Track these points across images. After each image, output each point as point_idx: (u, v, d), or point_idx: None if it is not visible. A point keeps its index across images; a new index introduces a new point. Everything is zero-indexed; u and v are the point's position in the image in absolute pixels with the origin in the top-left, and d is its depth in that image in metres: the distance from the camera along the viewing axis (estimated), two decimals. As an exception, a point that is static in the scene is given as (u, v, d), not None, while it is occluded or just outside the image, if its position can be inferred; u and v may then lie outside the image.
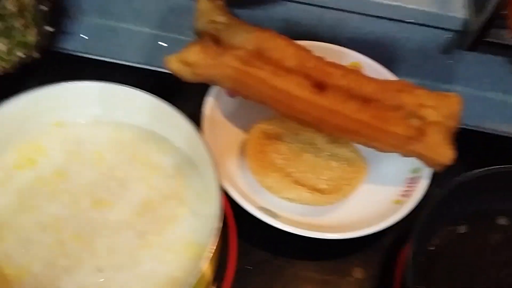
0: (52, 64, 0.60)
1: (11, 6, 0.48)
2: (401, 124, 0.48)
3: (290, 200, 0.50)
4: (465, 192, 0.48)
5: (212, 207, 0.44)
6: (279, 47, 0.51)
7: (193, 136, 0.44)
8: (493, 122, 0.64)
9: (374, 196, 0.52)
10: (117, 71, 0.63)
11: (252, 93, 0.50)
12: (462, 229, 0.51)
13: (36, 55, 0.56)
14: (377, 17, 0.59)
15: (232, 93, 0.55)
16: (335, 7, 0.58)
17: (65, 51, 0.63)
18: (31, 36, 0.54)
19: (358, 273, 0.51)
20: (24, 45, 0.54)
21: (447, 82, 0.66)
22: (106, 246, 0.42)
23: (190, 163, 0.47)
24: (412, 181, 0.52)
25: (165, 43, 0.65)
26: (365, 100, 0.50)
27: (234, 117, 0.56)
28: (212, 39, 0.51)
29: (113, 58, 0.63)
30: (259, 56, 0.50)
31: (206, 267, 0.38)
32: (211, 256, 0.38)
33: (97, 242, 0.43)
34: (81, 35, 0.64)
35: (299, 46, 0.51)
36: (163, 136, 0.49)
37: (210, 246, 0.38)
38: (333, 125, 0.49)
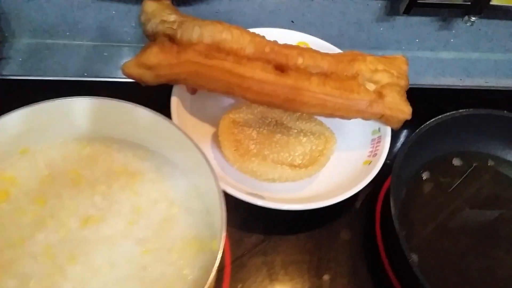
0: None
1: None
2: (361, 90, 0.51)
3: (273, 180, 0.51)
4: (425, 139, 0.53)
5: (203, 203, 0.45)
6: (235, 37, 0.52)
7: (177, 133, 0.44)
8: (426, 78, 0.70)
9: (346, 162, 0.55)
10: (63, 88, 0.60)
11: (218, 85, 0.51)
12: (426, 175, 0.56)
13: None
14: (315, -4, 0.62)
15: (194, 89, 0.56)
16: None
17: (3, 77, 0.60)
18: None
19: (344, 234, 0.54)
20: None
21: (381, 48, 0.71)
22: (107, 261, 0.41)
23: (169, 164, 0.47)
24: (375, 141, 0.56)
25: (106, 53, 0.64)
26: (324, 74, 0.52)
27: (200, 112, 0.57)
28: (167, 38, 0.51)
29: (55, 76, 0.61)
30: (217, 48, 0.51)
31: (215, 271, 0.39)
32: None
33: (97, 259, 0.41)
34: (17, 57, 0.61)
35: (253, 34, 0.53)
36: (136, 143, 0.48)
37: (220, 247, 0.38)
38: (300, 102, 0.51)
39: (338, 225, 0.54)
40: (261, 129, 0.54)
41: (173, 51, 0.50)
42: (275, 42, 0.54)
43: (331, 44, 0.62)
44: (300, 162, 0.53)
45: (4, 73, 0.60)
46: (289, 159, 0.53)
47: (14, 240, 0.41)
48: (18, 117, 0.44)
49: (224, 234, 0.39)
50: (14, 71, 0.60)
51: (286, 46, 0.54)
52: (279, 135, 0.54)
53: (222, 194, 0.40)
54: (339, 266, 0.51)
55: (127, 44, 0.64)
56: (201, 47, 0.50)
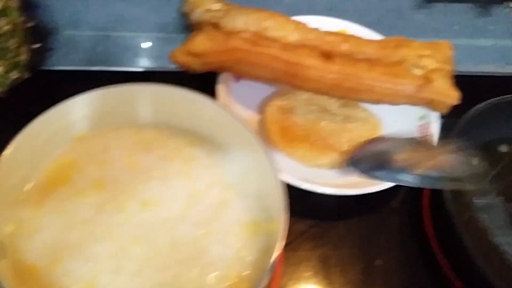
0: (39, 81, 0.58)
1: (5, 26, 0.46)
2: (408, 75, 0.52)
3: (321, 165, 0.52)
4: (474, 125, 0.53)
5: (256, 186, 0.45)
6: (280, 25, 0.52)
7: (230, 119, 0.44)
8: (465, 65, 0.70)
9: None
10: (108, 78, 0.61)
11: (265, 72, 0.51)
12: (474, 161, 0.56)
13: (26, 75, 0.54)
14: (354, -16, 0.62)
15: (238, 77, 0.56)
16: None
17: (49, 67, 0.61)
18: (23, 56, 0.52)
19: (394, 219, 0.54)
20: (16, 65, 0.51)
21: (420, 36, 0.70)
22: (168, 243, 0.42)
23: (221, 149, 0.48)
24: (423, 127, 0.56)
25: (150, 42, 0.65)
26: (370, 60, 0.53)
27: (243, 100, 0.57)
28: (212, 27, 0.52)
29: (99, 66, 0.62)
30: (262, 36, 0.52)
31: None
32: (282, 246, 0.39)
33: (158, 241, 0.42)
34: (61, 49, 0.62)
35: (297, 21, 0.53)
36: (188, 129, 0.49)
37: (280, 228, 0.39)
38: (347, 88, 0.51)
39: (386, 210, 0.55)
40: (307, 116, 0.55)
41: (219, 39, 0.51)
42: (318, 29, 0.54)
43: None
44: (347, 148, 0.53)
45: (50, 64, 0.61)
46: (336, 146, 0.53)
47: (77, 223, 0.43)
48: (78, 103, 0.45)
49: (283, 216, 0.39)
50: (58, 63, 0.61)
51: (329, 33, 0.54)
52: (325, 121, 0.55)
53: (278, 176, 0.41)
54: (391, 251, 0.51)
55: (168, 35, 0.65)
56: (247, 34, 0.51)
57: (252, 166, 0.46)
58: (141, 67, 0.63)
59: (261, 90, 0.57)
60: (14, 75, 0.51)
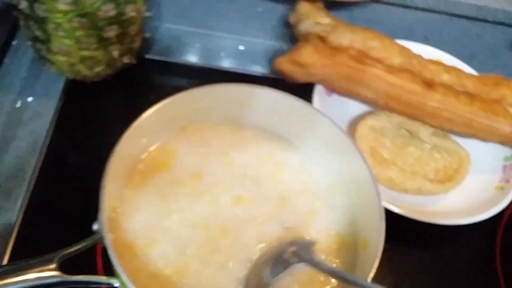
0: (140, 68, 0.61)
1: (131, 12, 0.49)
2: (507, 115, 0.52)
3: (406, 191, 0.52)
4: None
5: (347, 199, 0.46)
6: (385, 46, 0.53)
7: (333, 130, 0.45)
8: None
9: (477, 184, 0.55)
10: (198, 74, 0.64)
11: (366, 91, 0.52)
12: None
13: (134, 61, 0.57)
14: (456, 15, 0.62)
15: (332, 91, 0.58)
16: (419, 6, 0.61)
17: (149, 56, 0.64)
18: (137, 43, 0.55)
19: (465, 253, 0.54)
20: (129, 51, 0.54)
21: (508, 76, 0.70)
22: (256, 238, 0.44)
23: (313, 160, 0.49)
24: (507, 167, 0.56)
25: (242, 46, 0.67)
26: (469, 94, 0.53)
27: (335, 114, 0.58)
28: (319, 40, 0.53)
29: (193, 61, 0.65)
30: (367, 55, 0.53)
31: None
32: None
33: (246, 235, 0.44)
34: (161, 40, 0.65)
35: (401, 45, 0.54)
36: (282, 136, 0.50)
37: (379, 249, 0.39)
38: (444, 118, 0.52)
39: (462, 243, 0.55)
40: (395, 140, 0.55)
41: (326, 53, 0.52)
42: (420, 56, 0.55)
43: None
44: (432, 177, 0.53)
45: (150, 53, 0.64)
46: (421, 173, 0.53)
47: (172, 209, 0.45)
48: (196, 95, 0.47)
49: (382, 237, 0.40)
50: (158, 53, 0.64)
51: (431, 61, 0.55)
52: (413, 147, 0.55)
53: (379, 196, 0.42)
54: (461, 284, 0.51)
55: (263, 41, 0.67)
56: (354, 51, 0.52)
57: (347, 180, 0.47)
58: (235, 68, 0.65)
59: (353, 107, 0.58)
60: (125, 60, 0.54)
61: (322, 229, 0.45)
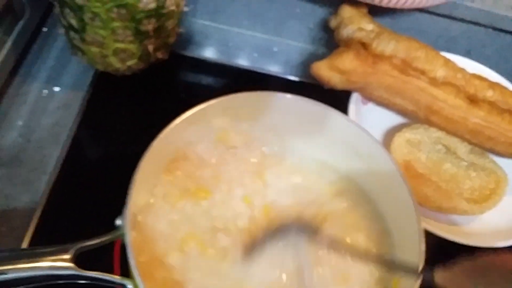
0: (171, 64, 0.59)
1: (171, 5, 0.47)
2: (553, 136, 0.49)
3: (441, 209, 0.50)
4: None
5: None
6: (429, 58, 0.51)
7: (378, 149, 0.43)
8: None
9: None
10: (234, 74, 0.62)
11: (406, 102, 0.50)
12: None
13: (166, 56, 0.55)
14: (501, 30, 0.60)
15: (368, 100, 0.56)
16: (465, 18, 0.59)
17: (181, 52, 0.62)
18: (172, 38, 0.53)
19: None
20: (164, 45, 0.52)
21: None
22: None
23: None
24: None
25: (276, 48, 0.65)
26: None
27: (370, 124, 0.56)
28: (361, 46, 0.51)
29: (222, 60, 0.63)
30: (410, 65, 0.51)
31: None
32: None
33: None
34: (193, 36, 0.64)
35: (446, 58, 0.52)
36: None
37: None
38: (487, 136, 0.50)
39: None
40: (430, 155, 0.53)
41: (368, 60, 0.50)
42: (464, 70, 0.53)
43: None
44: (468, 196, 0.51)
45: (182, 49, 0.62)
46: (456, 191, 0.51)
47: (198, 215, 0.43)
48: (225, 102, 0.44)
49: (422, 265, 0.38)
50: (189, 50, 0.63)
51: (476, 76, 0.53)
52: (449, 164, 0.53)
53: (419, 218, 0.39)
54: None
55: (297, 44, 0.65)
56: (398, 61, 0.50)
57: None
58: (267, 70, 0.63)
59: (389, 118, 0.56)
60: (159, 55, 0.52)
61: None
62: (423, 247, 0.38)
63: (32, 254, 0.35)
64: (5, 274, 0.34)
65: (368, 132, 0.44)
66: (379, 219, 0.44)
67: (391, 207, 0.43)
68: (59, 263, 0.35)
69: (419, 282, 0.37)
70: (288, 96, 0.45)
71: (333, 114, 0.44)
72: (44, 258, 0.35)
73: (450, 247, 0.49)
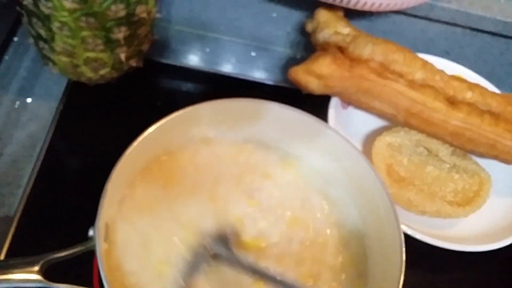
0: (145, 71, 0.58)
1: (142, 13, 0.46)
2: (534, 137, 0.49)
3: (424, 213, 0.49)
4: None
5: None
6: (407, 60, 0.50)
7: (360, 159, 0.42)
8: None
9: (499, 207, 0.53)
10: (212, 80, 0.61)
11: (385, 106, 0.49)
12: None
13: (141, 64, 0.54)
14: (479, 30, 0.60)
15: (347, 104, 0.55)
16: (442, 19, 0.58)
17: (155, 59, 0.61)
18: (145, 45, 0.52)
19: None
20: (137, 53, 0.51)
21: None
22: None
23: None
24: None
25: (254, 53, 0.64)
26: (494, 114, 0.50)
27: (350, 129, 0.55)
28: (338, 50, 0.51)
29: (200, 66, 0.62)
30: (387, 68, 0.50)
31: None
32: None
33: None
34: (170, 43, 0.62)
35: (424, 60, 0.51)
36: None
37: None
38: (467, 138, 0.49)
39: (477, 270, 0.52)
40: (412, 158, 0.52)
41: (346, 64, 0.49)
42: (443, 71, 0.52)
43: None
44: (451, 199, 0.51)
45: (156, 56, 0.61)
46: (439, 194, 0.51)
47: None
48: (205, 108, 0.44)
49: (403, 269, 0.37)
50: (164, 56, 0.61)
51: (455, 77, 0.52)
52: (431, 167, 0.52)
53: (399, 222, 0.39)
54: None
55: (276, 48, 0.64)
56: (375, 64, 0.49)
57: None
58: (246, 75, 0.62)
59: (369, 121, 0.55)
60: (132, 63, 0.51)
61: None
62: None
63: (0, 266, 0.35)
64: None
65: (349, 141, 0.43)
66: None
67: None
68: (27, 276, 0.34)
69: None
70: (276, 105, 0.44)
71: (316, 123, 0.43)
72: (12, 271, 0.34)
73: (434, 252, 0.48)
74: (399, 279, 0.37)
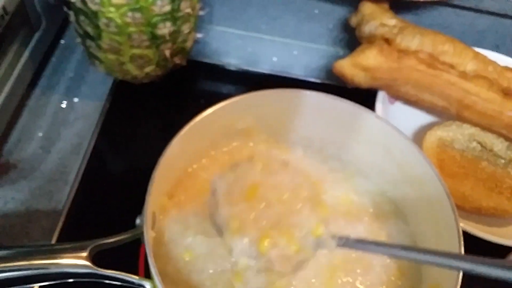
0: (189, 70, 0.58)
1: (187, 8, 0.46)
2: None
3: (479, 209, 0.47)
4: None
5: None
6: (457, 51, 0.49)
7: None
8: None
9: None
10: (253, 79, 0.60)
11: (436, 97, 0.48)
12: None
13: (184, 62, 0.54)
14: (532, 22, 0.57)
15: (395, 98, 0.53)
16: (491, 10, 0.56)
17: (197, 59, 0.61)
18: (189, 42, 0.52)
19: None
20: (181, 51, 0.51)
21: None
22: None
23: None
24: None
25: (296, 51, 0.64)
26: (551, 105, 0.48)
27: (399, 123, 0.53)
28: (385, 42, 0.49)
29: (247, 67, 0.61)
30: (437, 59, 0.48)
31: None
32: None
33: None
34: (211, 43, 0.63)
35: (475, 50, 0.50)
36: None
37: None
38: (525, 131, 0.47)
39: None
40: (465, 153, 0.50)
41: (393, 55, 0.48)
42: (495, 62, 0.50)
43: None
44: (509, 196, 0.48)
45: (198, 56, 0.61)
46: (496, 190, 0.48)
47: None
48: (236, 104, 0.43)
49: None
50: (206, 56, 0.61)
51: (508, 68, 0.50)
52: (485, 162, 0.50)
53: (457, 219, 0.37)
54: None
55: (318, 46, 0.63)
56: (424, 55, 0.48)
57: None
58: (288, 74, 0.61)
59: (418, 116, 0.53)
60: (176, 60, 0.51)
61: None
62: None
63: (50, 250, 0.35)
64: (19, 270, 0.33)
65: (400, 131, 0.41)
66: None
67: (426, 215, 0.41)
68: (76, 261, 0.34)
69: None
70: (316, 94, 0.43)
71: (363, 113, 0.42)
72: (62, 255, 0.34)
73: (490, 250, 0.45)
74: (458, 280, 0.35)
